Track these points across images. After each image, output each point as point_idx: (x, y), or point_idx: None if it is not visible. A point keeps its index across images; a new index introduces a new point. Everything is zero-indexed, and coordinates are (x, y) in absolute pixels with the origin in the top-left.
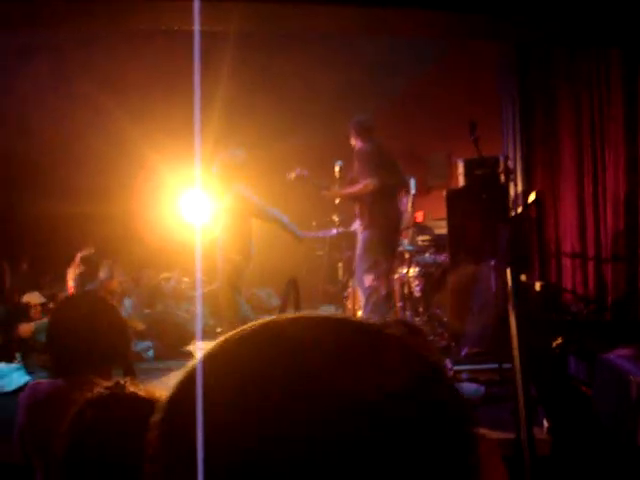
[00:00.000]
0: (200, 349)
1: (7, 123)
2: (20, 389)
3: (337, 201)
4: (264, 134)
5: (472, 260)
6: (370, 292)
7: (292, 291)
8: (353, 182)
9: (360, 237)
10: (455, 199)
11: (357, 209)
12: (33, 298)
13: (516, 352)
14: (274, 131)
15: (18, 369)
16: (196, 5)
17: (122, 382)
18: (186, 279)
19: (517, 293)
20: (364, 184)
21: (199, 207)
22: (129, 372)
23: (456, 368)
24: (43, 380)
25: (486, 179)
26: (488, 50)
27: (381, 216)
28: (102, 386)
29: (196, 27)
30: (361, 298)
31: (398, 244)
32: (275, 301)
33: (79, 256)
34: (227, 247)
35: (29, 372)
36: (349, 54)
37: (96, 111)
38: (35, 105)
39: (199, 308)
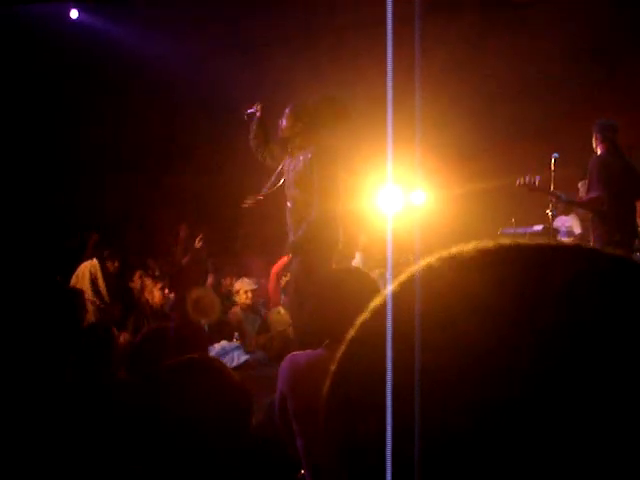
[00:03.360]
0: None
1: None
2: (239, 367)
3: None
4: (456, 123)
5: None
6: None
7: None
8: (587, 190)
9: None
10: None
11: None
12: (243, 285)
13: None
14: (462, 119)
15: (237, 348)
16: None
17: None
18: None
19: None
20: (589, 198)
21: (393, 199)
22: None
23: None
24: (301, 352)
25: None
26: None
27: (617, 232)
28: None
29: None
30: None
31: None
32: None
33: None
34: None
35: (247, 352)
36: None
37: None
38: None
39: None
